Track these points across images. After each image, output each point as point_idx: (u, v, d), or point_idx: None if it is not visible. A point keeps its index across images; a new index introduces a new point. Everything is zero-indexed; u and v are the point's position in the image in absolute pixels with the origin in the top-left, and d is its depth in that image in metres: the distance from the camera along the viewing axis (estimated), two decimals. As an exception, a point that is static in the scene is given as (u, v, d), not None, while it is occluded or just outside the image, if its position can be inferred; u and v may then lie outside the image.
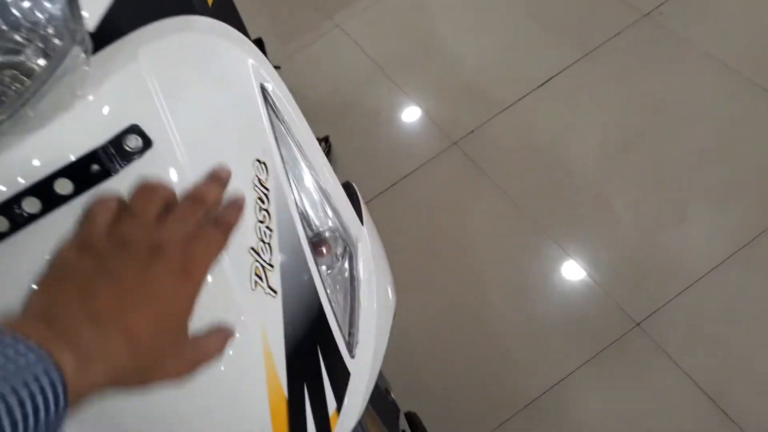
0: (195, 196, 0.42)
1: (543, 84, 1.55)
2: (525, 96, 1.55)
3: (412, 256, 1.38)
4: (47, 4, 0.41)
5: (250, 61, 0.55)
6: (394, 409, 0.76)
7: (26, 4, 0.41)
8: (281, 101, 0.56)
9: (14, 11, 0.40)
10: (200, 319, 0.47)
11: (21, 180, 0.43)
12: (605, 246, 1.31)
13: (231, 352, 0.48)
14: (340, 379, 0.55)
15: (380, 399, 0.71)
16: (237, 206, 0.43)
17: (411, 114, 1.61)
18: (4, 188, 0.43)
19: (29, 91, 0.40)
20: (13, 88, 0.41)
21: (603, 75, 1.54)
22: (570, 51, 1.58)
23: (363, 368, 0.57)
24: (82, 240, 0.38)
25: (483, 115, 1.55)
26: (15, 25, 0.42)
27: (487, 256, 1.36)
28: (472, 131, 1.53)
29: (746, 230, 1.25)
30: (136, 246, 0.37)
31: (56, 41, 0.43)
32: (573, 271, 1.29)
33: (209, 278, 0.47)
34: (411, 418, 0.88)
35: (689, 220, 1.30)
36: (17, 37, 0.43)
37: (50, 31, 0.42)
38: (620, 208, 1.35)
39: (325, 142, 1.51)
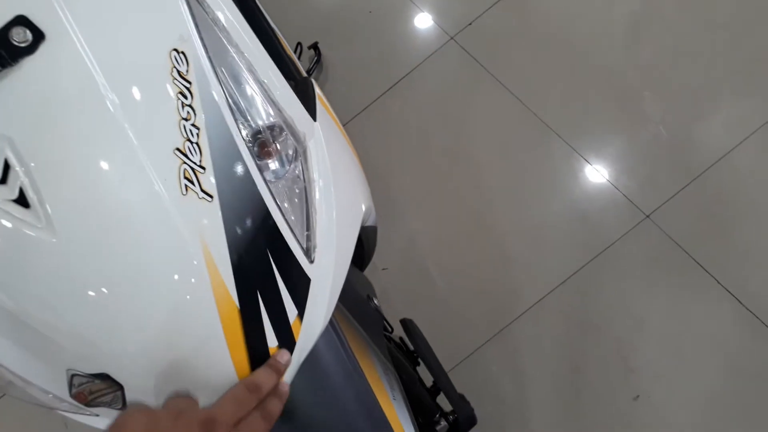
0: (253, 384, 0.47)
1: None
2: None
3: (412, 161, 1.32)
4: None
5: None
6: (375, 315, 0.73)
7: None
8: None
9: None
10: (125, 231, 0.44)
11: None
12: (612, 140, 1.23)
13: (169, 262, 0.45)
14: (300, 285, 0.52)
15: (359, 305, 0.69)
16: (281, 398, 0.49)
17: (404, 10, 1.50)
18: None
19: None
20: None
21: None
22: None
23: (324, 272, 0.53)
24: None
25: (480, 4, 1.43)
26: None
27: (490, 155, 1.30)
28: (470, 23, 1.42)
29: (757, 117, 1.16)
30: (190, 417, 0.43)
31: None
32: (579, 166, 1.22)
33: (127, 185, 0.43)
34: (406, 324, 0.86)
35: (701, 108, 1.20)
36: None
37: None
38: (628, 99, 1.25)
39: (314, 50, 1.43)
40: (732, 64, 1.22)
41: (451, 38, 1.42)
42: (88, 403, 0.50)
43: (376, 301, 0.75)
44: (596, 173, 1.21)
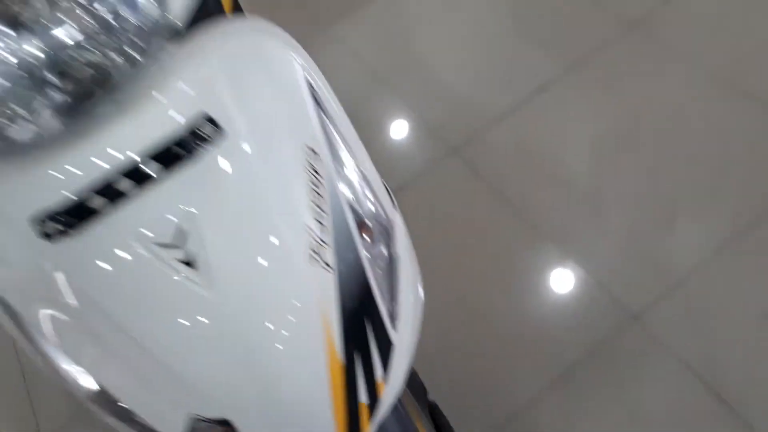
0: None
1: (535, 92, 1.63)
2: (519, 104, 1.62)
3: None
4: (143, 9, 0.46)
5: (297, 57, 0.60)
6: (422, 387, 0.80)
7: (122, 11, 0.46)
8: (323, 93, 0.61)
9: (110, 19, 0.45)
10: (268, 290, 0.52)
11: (112, 163, 0.48)
12: (600, 244, 1.37)
13: (293, 320, 0.53)
14: (385, 349, 0.60)
15: (411, 377, 0.76)
16: None
17: (402, 123, 1.66)
18: (99, 170, 0.48)
19: (120, 82, 0.45)
20: (107, 76, 0.46)
21: (592, 83, 1.61)
22: (558, 61, 1.66)
23: (404, 341, 0.62)
24: None
25: (478, 123, 1.61)
26: (106, 26, 0.47)
27: (483, 258, 1.41)
28: (468, 139, 1.59)
29: (733, 224, 1.32)
30: None
31: (138, 41, 0.48)
32: (570, 270, 1.35)
33: (273, 253, 0.52)
34: (432, 407, 0.93)
35: (679, 218, 1.36)
36: (104, 37, 0.48)
37: (137, 33, 0.47)
38: (613, 209, 1.41)
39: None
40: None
41: (453, 149, 1.58)
42: (204, 450, 0.56)
43: (419, 377, 0.83)
44: (587, 276, 1.33)
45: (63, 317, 0.52)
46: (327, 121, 0.60)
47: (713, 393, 1.16)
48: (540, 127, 1.57)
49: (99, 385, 0.56)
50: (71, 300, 0.51)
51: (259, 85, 0.56)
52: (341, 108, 0.64)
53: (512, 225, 1.43)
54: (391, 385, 0.61)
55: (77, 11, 0.44)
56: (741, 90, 1.49)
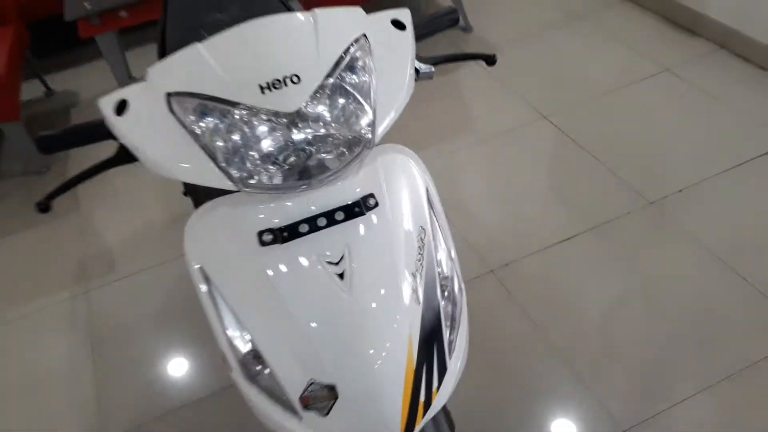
0: None
1: (562, 241, 1.97)
2: (551, 246, 1.95)
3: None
4: (362, 124, 0.81)
5: (419, 170, 0.94)
6: (452, 422, 1.05)
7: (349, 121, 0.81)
8: (433, 195, 0.94)
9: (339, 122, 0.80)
10: (382, 305, 0.82)
11: (317, 208, 0.81)
12: (613, 369, 1.63)
13: (393, 327, 0.82)
14: (442, 370, 0.87)
15: (446, 412, 1.02)
16: None
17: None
18: (308, 210, 0.80)
19: (338, 167, 0.80)
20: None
21: (610, 243, 1.95)
22: (584, 220, 2.01)
23: (454, 368, 0.89)
24: None
25: (513, 253, 1.94)
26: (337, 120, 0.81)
27: (503, 367, 1.67)
28: (506, 264, 1.92)
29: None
30: None
31: (346, 148, 0.82)
32: (579, 393, 1.59)
33: (389, 282, 0.83)
34: None
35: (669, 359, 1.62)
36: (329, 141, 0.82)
37: (350, 143, 0.82)
38: (619, 340, 1.68)
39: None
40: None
41: (491, 270, 1.90)
42: (307, 407, 0.83)
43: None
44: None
45: (252, 295, 0.83)
46: (434, 214, 0.93)
47: None
48: (563, 268, 1.89)
49: (253, 346, 0.84)
50: (264, 284, 0.82)
51: (399, 184, 0.90)
52: (441, 207, 0.97)
53: (532, 340, 1.70)
54: (441, 396, 0.87)
55: (319, 124, 0.79)
56: (732, 269, 1.80)
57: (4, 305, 2.11)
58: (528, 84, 2.68)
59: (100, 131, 0.85)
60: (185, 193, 1.82)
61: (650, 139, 2.32)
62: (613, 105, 2.51)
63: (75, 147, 0.86)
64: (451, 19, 0.96)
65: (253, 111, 0.75)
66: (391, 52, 0.84)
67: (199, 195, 1.37)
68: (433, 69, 0.93)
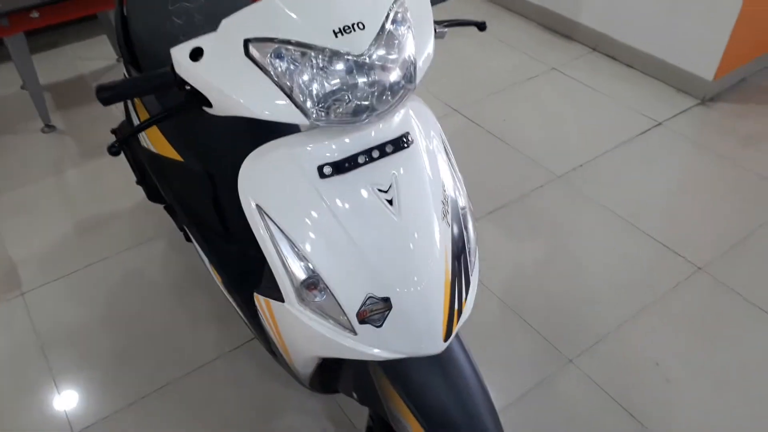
0: None
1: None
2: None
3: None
4: (407, 69, 0.94)
5: (434, 119, 1.10)
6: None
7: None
8: (445, 139, 1.10)
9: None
10: (424, 225, 0.96)
11: (369, 142, 0.94)
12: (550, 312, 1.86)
13: (434, 244, 0.96)
14: (467, 283, 1.02)
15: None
16: None
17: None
18: (363, 144, 0.93)
19: (389, 105, 0.93)
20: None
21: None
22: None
23: (474, 282, 1.05)
24: None
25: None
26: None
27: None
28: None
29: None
30: None
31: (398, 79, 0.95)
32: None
33: (428, 206, 0.98)
34: None
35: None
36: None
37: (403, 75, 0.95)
38: (553, 292, 1.93)
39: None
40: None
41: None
42: (363, 320, 0.95)
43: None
44: None
45: (312, 225, 0.93)
46: (450, 154, 1.09)
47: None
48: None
49: (311, 273, 0.94)
50: (325, 214, 0.93)
51: (425, 127, 1.04)
52: (452, 153, 1.13)
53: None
54: (468, 306, 1.02)
55: (378, 66, 0.92)
56: (634, 226, 2.15)
57: None
58: (439, 84, 2.94)
59: (163, 79, 0.91)
60: (139, 183, 1.82)
61: (548, 124, 2.66)
62: (513, 98, 2.84)
63: (137, 96, 0.92)
64: None
65: (327, 53, 0.87)
66: (419, 13, 0.99)
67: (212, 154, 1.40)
68: (446, 30, 1.10)
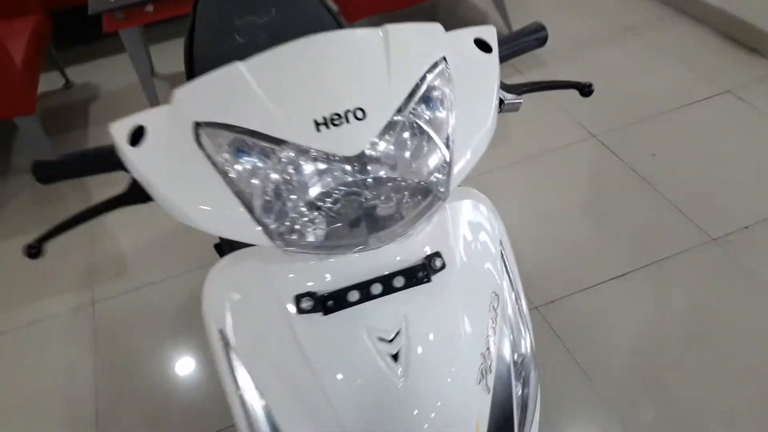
0: None
1: (616, 277, 1.78)
2: (602, 282, 1.77)
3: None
4: (437, 176, 0.63)
5: (496, 222, 0.77)
6: None
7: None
8: (507, 251, 0.77)
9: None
10: (443, 397, 0.65)
11: (370, 272, 0.64)
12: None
13: (458, 417, 0.65)
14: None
15: None
16: None
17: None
18: (361, 275, 0.64)
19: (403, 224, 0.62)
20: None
21: (664, 279, 1.76)
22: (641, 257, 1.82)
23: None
24: None
25: (560, 290, 1.76)
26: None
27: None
28: (550, 301, 1.73)
29: None
30: None
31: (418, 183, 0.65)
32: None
33: (454, 370, 0.66)
34: None
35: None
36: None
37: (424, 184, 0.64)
38: (672, 385, 1.49)
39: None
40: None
41: (535, 307, 1.71)
42: None
43: None
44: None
45: (282, 373, 0.66)
46: (508, 275, 0.75)
47: None
48: (612, 304, 1.71)
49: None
50: (296, 363, 0.65)
51: (470, 239, 0.73)
52: (515, 264, 0.79)
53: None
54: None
55: (382, 167, 0.62)
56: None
57: (4, 311, 1.98)
58: (577, 100, 2.49)
59: (110, 160, 0.69)
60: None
61: (711, 166, 2.12)
62: (668, 127, 2.32)
63: (79, 177, 0.70)
64: (539, 39, 0.78)
65: (305, 152, 0.58)
66: (473, 80, 0.66)
67: (224, 242, 1.21)
68: (520, 100, 0.76)
